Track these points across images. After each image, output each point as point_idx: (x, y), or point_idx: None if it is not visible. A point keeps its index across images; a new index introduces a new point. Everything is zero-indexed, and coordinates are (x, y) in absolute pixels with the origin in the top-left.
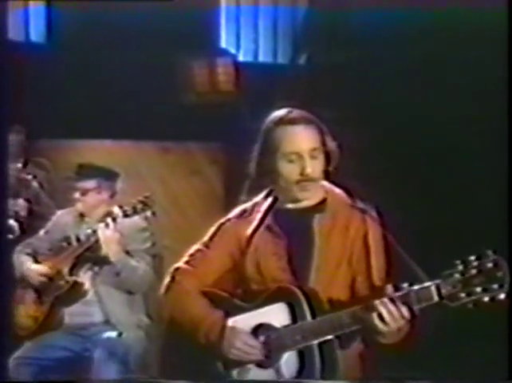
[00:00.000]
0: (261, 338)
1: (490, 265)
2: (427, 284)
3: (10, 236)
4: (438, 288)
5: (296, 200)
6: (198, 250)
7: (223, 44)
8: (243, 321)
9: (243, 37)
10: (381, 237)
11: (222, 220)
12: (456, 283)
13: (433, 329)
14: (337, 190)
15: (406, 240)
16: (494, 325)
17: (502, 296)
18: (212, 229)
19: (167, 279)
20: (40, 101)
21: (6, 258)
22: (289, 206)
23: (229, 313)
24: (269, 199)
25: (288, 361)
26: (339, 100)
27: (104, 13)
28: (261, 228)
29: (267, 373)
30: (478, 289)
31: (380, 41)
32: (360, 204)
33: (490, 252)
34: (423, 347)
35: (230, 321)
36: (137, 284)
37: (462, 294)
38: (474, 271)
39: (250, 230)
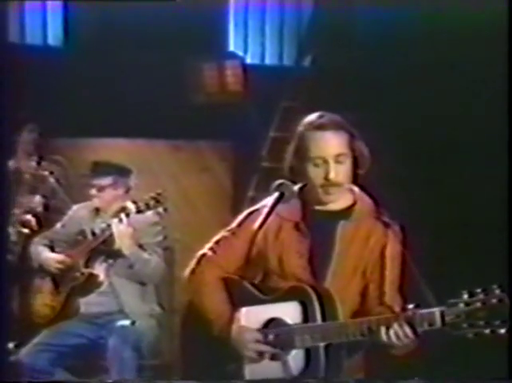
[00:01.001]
0: (272, 332)
1: (494, 300)
2: (432, 309)
3: (26, 230)
4: (442, 315)
5: (322, 203)
6: (224, 237)
7: (232, 47)
8: (258, 312)
9: (251, 41)
10: (399, 253)
11: (250, 209)
12: (460, 313)
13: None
14: (367, 199)
15: (420, 260)
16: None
17: (503, 331)
18: (240, 217)
19: (192, 263)
20: (57, 101)
21: (6, 252)
22: (317, 207)
23: (245, 302)
24: (276, 194)
25: (295, 356)
26: (343, 101)
27: (119, 16)
28: (284, 226)
29: (275, 365)
30: (481, 322)
31: (383, 43)
32: (386, 218)
33: (495, 287)
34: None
35: (245, 311)
36: (149, 276)
37: (465, 325)
38: (478, 304)
39: (258, 222)
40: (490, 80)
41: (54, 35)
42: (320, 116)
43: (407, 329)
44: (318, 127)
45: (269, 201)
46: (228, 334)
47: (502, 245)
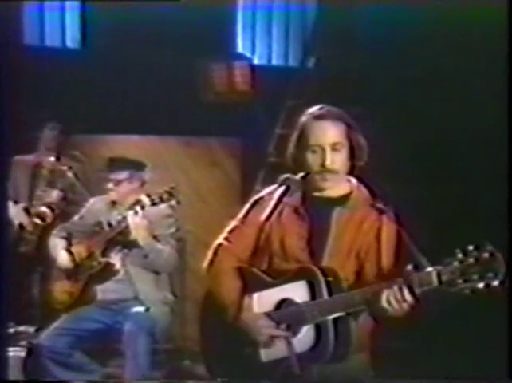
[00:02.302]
0: (283, 313)
1: (486, 255)
2: (428, 269)
3: (41, 222)
4: (438, 274)
5: (319, 189)
6: (235, 227)
7: (240, 48)
8: (269, 296)
9: (258, 42)
10: (394, 234)
11: (255, 198)
12: (455, 270)
13: (435, 321)
14: (363, 189)
15: (413, 227)
16: (494, 325)
17: (496, 283)
18: (246, 206)
19: (209, 254)
20: (75, 101)
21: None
22: (316, 193)
23: (257, 288)
24: (283, 187)
25: (302, 337)
26: (346, 101)
27: (133, 19)
28: (285, 210)
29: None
30: (475, 276)
31: (386, 44)
32: (380, 205)
33: (487, 242)
34: (424, 346)
35: (257, 296)
36: (163, 265)
37: (460, 281)
38: (471, 260)
39: (267, 212)
40: (490, 79)
41: (72, 37)
42: (321, 108)
43: (407, 293)
44: (317, 117)
45: (275, 194)
46: (242, 321)
47: (500, 224)
